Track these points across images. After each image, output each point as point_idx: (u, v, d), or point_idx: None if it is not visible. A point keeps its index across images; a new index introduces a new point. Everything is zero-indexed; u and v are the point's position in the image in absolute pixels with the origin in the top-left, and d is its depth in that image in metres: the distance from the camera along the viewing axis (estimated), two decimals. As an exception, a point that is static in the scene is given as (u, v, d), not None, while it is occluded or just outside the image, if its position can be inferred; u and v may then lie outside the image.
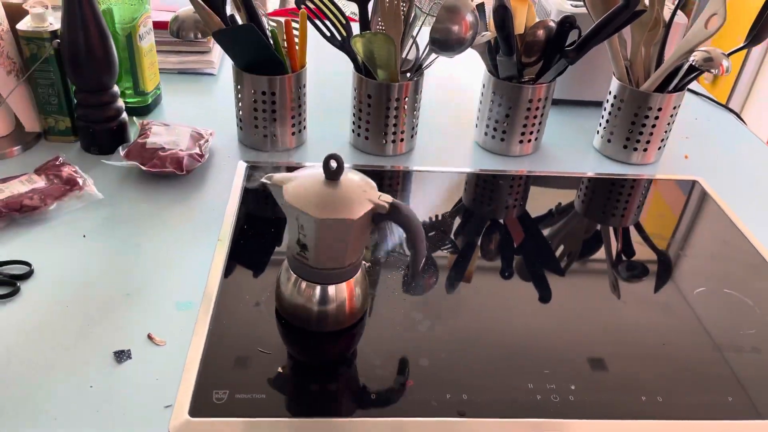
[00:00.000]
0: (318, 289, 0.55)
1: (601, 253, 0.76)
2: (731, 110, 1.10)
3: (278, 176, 0.52)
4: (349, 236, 0.50)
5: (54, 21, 0.75)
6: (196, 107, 0.96)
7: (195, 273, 0.63)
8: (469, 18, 0.72)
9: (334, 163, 0.49)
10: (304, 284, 0.55)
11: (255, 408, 0.50)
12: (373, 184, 0.53)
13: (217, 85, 1.04)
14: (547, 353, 0.58)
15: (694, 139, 1.00)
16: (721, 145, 1.00)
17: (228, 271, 0.64)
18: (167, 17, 0.99)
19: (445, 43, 0.73)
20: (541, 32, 0.80)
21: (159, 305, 0.59)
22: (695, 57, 0.79)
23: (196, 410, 0.49)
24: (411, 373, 0.55)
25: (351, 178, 0.52)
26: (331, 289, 0.55)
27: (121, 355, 0.53)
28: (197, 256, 0.66)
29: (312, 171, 0.52)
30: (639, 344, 0.60)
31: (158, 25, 0.95)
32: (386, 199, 0.51)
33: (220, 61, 1.10)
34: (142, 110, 0.90)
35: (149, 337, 0.55)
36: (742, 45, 0.82)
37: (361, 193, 0.51)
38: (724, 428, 0.52)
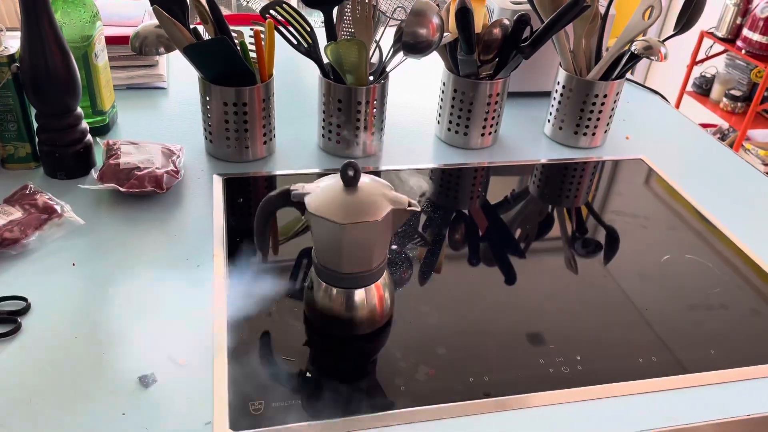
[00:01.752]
0: (350, 294, 0.57)
1: (561, 234, 0.81)
2: (656, 92, 1.20)
3: (299, 189, 0.54)
4: (375, 238, 0.52)
5: (10, 44, 0.72)
6: (153, 122, 0.94)
7: (197, 289, 0.63)
8: (436, 21, 0.75)
9: (351, 171, 0.51)
10: (335, 291, 0.57)
11: (293, 414, 0.51)
12: (388, 184, 0.56)
13: (169, 98, 1.02)
14: (545, 329, 0.63)
15: (630, 120, 1.08)
16: (653, 124, 1.09)
17: (232, 285, 0.64)
18: (111, 32, 0.96)
19: (414, 46, 0.76)
20: (497, 30, 0.84)
21: (169, 326, 0.59)
22: (636, 46, 0.86)
23: (236, 423, 0.50)
24: (431, 362, 0.57)
25: (366, 182, 0.54)
26: (361, 294, 0.57)
27: (147, 379, 0.53)
28: (195, 272, 0.65)
29: (328, 182, 0.54)
30: (624, 312, 0.66)
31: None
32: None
33: (167, 73, 1.07)
34: (102, 130, 0.88)
35: (170, 358, 0.55)
36: (673, 33, 0.90)
37: (381, 195, 0.53)
38: (715, 377, 0.58)
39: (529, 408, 0.54)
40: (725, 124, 2.61)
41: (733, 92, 2.50)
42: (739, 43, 2.37)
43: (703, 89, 2.66)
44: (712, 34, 2.48)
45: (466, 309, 0.65)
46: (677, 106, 2.73)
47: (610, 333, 0.63)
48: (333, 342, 0.59)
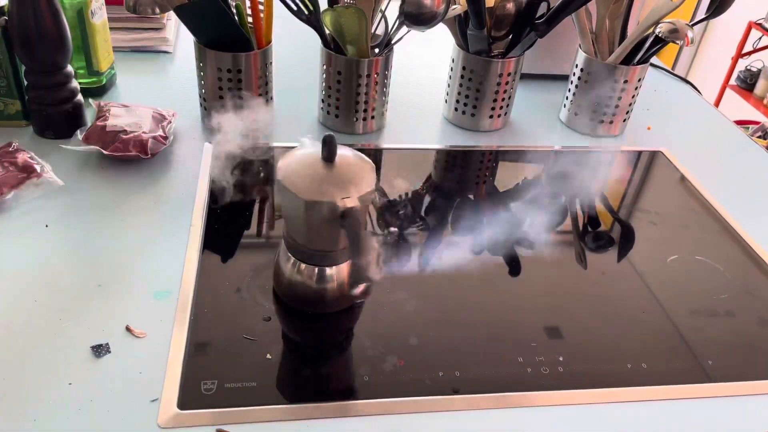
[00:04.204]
0: (318, 269, 0.54)
1: (571, 226, 0.77)
2: (687, 81, 1.13)
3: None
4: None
5: (-1, -4, 0.70)
6: (154, 87, 0.92)
7: (169, 260, 0.61)
8: (442, -9, 0.71)
9: (328, 146, 0.48)
10: (303, 265, 0.54)
11: (246, 396, 0.49)
12: (368, 159, 0.53)
13: (174, 63, 1.00)
14: (529, 326, 0.59)
15: (654, 110, 1.02)
16: (680, 115, 1.02)
17: (204, 257, 0.62)
18: (117, -8, 0.94)
19: (417, 17, 0.71)
20: (510, 5, 0.79)
21: (134, 295, 0.57)
22: (661, 28, 0.80)
23: (185, 402, 0.48)
24: (401, 352, 0.54)
25: (345, 154, 0.51)
26: (331, 269, 0.54)
27: (100, 350, 0.51)
28: (169, 242, 0.63)
29: (304, 153, 0.51)
30: (619, 313, 0.62)
31: (108, 1, 0.90)
32: None
33: (175, 38, 1.05)
34: (97, 91, 0.86)
35: (127, 329, 0.53)
36: (704, 16, 0.83)
37: (359, 171, 0.50)
38: (708, 391, 0.53)
39: (497, 409, 0.50)
40: (768, 122, 2.48)
41: (779, 88, 2.38)
42: (789, 36, 2.24)
43: (747, 84, 2.53)
44: (760, 25, 2.35)
45: (455, 299, 0.62)
46: (718, 99, 2.61)
47: (600, 334, 0.59)
48: (298, 324, 0.56)
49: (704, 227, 0.75)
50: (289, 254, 0.55)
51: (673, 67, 2.82)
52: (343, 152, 0.52)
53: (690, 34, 0.79)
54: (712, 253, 0.71)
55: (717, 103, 2.62)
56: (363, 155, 0.53)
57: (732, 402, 0.53)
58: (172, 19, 1.06)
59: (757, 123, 2.57)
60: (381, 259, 0.55)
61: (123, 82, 0.91)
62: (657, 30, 0.80)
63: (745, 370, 0.56)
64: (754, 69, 2.52)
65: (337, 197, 0.48)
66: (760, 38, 2.46)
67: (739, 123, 2.63)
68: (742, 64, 2.55)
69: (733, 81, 2.58)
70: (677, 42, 0.79)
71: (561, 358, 0.55)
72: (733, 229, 0.74)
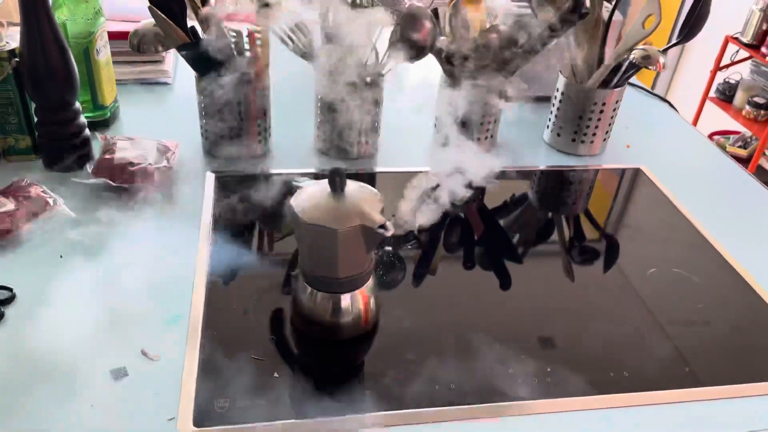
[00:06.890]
0: (335, 299, 0.58)
1: (557, 241, 0.81)
2: (665, 100, 1.18)
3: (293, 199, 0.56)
4: (364, 243, 0.54)
5: (11, 40, 0.74)
6: (155, 118, 0.96)
7: (178, 285, 0.64)
8: (428, 25, 0.75)
9: (338, 177, 0.53)
10: (320, 296, 0.58)
11: (258, 413, 0.52)
12: (375, 190, 0.57)
13: (173, 93, 1.04)
14: (520, 338, 0.63)
15: (633, 128, 1.07)
16: (658, 133, 1.07)
17: (211, 281, 0.65)
18: (117, 27, 0.98)
19: (406, 51, 0.76)
20: (494, 36, 0.84)
21: (147, 320, 0.60)
22: (635, 55, 0.85)
23: (200, 420, 0.51)
24: (399, 367, 0.58)
25: (353, 187, 0.56)
26: (347, 299, 0.58)
27: (118, 373, 0.54)
28: (177, 268, 0.67)
29: (315, 188, 0.56)
30: (602, 324, 0.66)
31: (111, 36, 0.94)
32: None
33: (174, 69, 1.09)
34: (102, 124, 0.89)
35: (143, 352, 0.56)
36: (675, 41, 0.89)
37: (370, 201, 0.54)
38: (687, 395, 0.58)
39: (490, 418, 0.54)
40: (748, 132, 2.55)
41: (756, 99, 2.44)
42: (764, 49, 2.31)
43: (726, 96, 2.60)
44: (737, 39, 2.43)
45: (448, 314, 0.66)
46: (699, 112, 2.68)
47: (584, 344, 0.63)
48: (304, 343, 0.60)
49: (680, 241, 0.80)
50: (306, 284, 0.59)
51: (654, 81, 2.89)
52: (352, 185, 0.56)
53: (662, 59, 0.84)
54: (688, 265, 0.75)
55: (697, 115, 2.68)
56: (371, 187, 0.57)
57: (709, 405, 0.57)
58: (170, 52, 1.10)
59: (737, 133, 2.64)
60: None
61: (126, 113, 0.95)
62: (631, 56, 0.85)
63: (721, 375, 0.60)
64: (733, 81, 2.60)
65: (340, 224, 0.52)
66: (737, 51, 2.53)
67: (720, 133, 2.70)
68: (720, 77, 2.63)
69: (712, 93, 2.65)
70: (650, 67, 0.84)
71: (548, 369, 0.59)
72: (707, 241, 0.79)
